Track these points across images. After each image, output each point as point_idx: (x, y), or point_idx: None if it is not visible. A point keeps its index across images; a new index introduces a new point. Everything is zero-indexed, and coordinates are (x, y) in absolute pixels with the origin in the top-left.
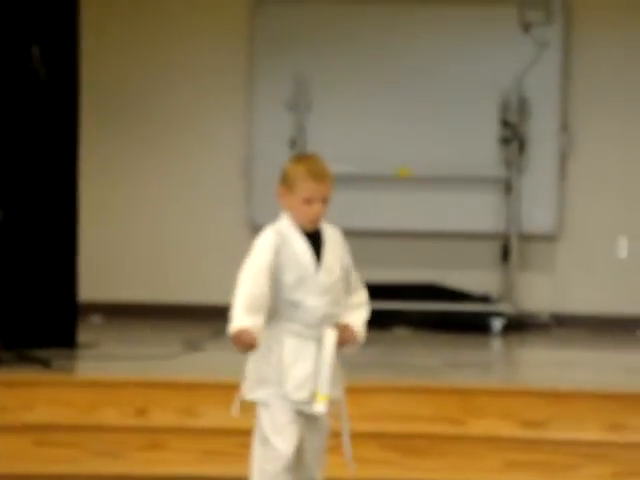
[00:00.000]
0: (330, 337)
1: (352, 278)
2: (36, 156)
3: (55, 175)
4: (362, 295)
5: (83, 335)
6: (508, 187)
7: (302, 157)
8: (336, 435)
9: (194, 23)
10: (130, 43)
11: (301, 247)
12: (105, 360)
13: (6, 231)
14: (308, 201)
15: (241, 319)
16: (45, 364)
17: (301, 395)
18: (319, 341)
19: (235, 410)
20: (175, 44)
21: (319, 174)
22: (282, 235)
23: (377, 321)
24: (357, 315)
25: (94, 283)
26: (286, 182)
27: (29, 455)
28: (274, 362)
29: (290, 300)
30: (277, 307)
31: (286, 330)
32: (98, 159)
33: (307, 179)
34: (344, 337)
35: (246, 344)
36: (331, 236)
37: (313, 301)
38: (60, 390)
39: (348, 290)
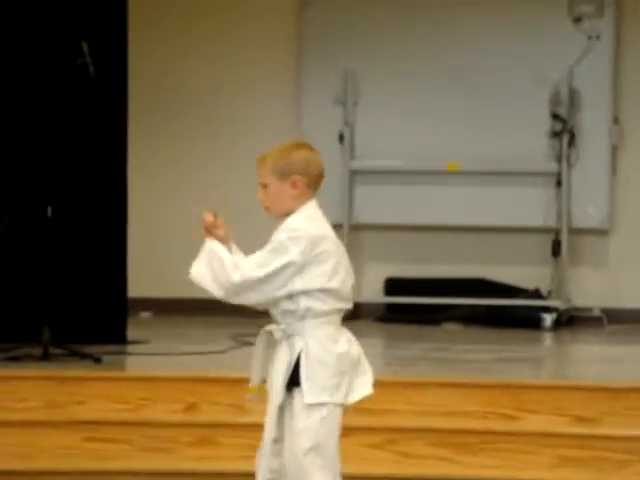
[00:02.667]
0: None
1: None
2: (85, 153)
3: (104, 171)
4: (242, 262)
5: (133, 331)
6: (558, 181)
7: None
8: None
9: (241, 20)
10: (177, 40)
11: None
12: (155, 356)
13: (55, 227)
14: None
15: None
16: (96, 360)
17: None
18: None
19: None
20: (222, 42)
21: (257, 159)
22: None
23: (427, 316)
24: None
25: (143, 279)
26: None
27: (80, 451)
28: None
29: None
30: None
31: None
32: (147, 155)
33: None
34: None
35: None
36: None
37: None
38: (110, 386)
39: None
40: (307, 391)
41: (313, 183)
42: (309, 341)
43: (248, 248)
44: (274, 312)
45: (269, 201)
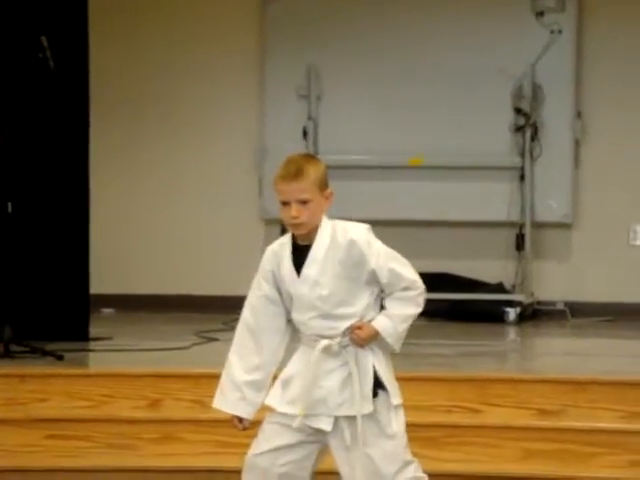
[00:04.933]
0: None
1: (387, 279)
2: (46, 147)
3: (65, 167)
4: (406, 293)
5: (95, 328)
6: (522, 175)
7: (287, 158)
8: None
9: (204, 14)
10: (139, 34)
11: (287, 263)
12: (117, 352)
13: (16, 224)
14: (284, 204)
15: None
16: (57, 357)
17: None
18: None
19: None
20: (185, 36)
21: (289, 174)
22: (276, 254)
23: None
24: (381, 315)
25: (106, 275)
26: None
27: (41, 448)
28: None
29: (293, 319)
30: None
31: (300, 348)
32: (109, 151)
33: (278, 181)
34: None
35: None
36: (323, 243)
37: (300, 316)
38: (72, 383)
39: (389, 294)
40: (393, 394)
41: None
42: (374, 346)
43: (206, 243)
44: (335, 324)
45: (308, 216)
